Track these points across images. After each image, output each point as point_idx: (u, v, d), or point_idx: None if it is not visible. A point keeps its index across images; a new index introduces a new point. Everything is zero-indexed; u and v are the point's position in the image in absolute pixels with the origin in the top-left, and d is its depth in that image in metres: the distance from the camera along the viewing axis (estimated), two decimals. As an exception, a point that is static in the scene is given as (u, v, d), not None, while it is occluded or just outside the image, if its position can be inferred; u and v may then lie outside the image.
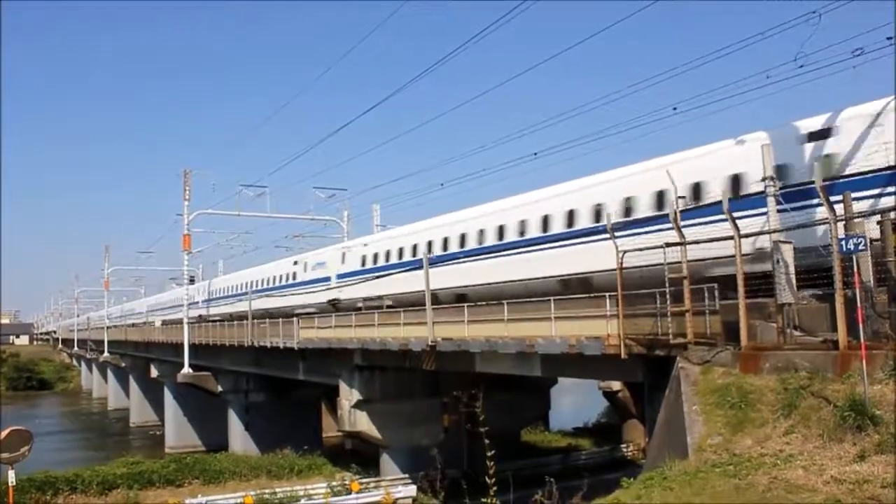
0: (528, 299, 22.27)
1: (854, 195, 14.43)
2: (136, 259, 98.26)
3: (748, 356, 14.58)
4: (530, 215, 26.59)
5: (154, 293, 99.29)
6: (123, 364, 79.94)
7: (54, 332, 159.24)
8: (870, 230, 13.82)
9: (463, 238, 29.97)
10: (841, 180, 15.29)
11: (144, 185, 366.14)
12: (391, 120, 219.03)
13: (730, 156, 19.46)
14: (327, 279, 41.11)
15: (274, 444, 39.49)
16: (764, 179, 16.15)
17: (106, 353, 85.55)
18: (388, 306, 32.12)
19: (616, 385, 43.10)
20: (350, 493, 30.01)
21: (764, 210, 15.93)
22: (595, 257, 21.36)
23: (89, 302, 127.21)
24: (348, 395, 32.14)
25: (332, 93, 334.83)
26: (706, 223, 17.41)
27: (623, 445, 43.18)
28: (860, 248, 12.90)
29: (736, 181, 18.92)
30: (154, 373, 61.78)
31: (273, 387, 45.12)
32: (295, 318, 36.15)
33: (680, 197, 19.22)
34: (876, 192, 15.01)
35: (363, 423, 31.95)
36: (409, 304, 29.03)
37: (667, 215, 17.53)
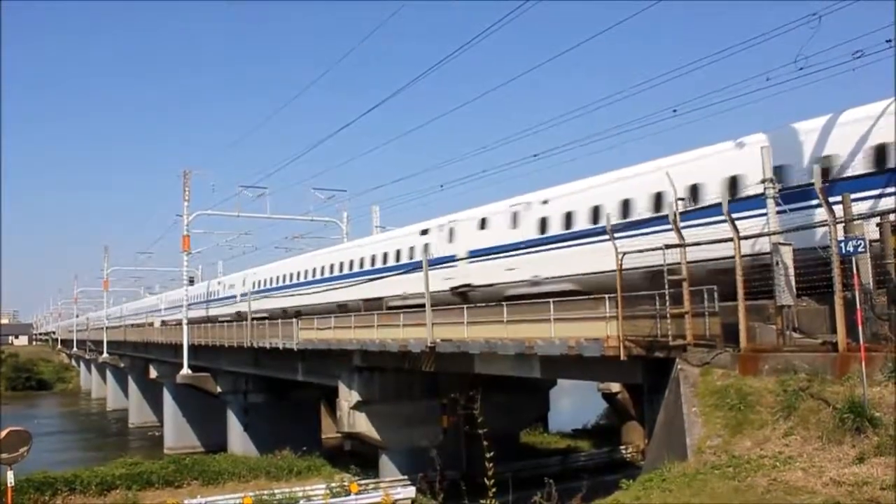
0: (528, 301, 22.27)
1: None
2: (136, 259, 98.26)
3: (747, 358, 14.58)
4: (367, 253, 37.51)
5: (154, 295, 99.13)
6: (122, 365, 79.93)
7: (53, 332, 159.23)
8: (869, 232, 13.83)
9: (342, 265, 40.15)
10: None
11: (144, 186, 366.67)
12: (391, 121, 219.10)
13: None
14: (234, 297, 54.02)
15: (273, 445, 39.49)
16: (763, 181, 16.17)
17: (105, 354, 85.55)
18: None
19: (615, 387, 43.09)
20: (349, 495, 30.01)
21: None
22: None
23: (89, 302, 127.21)
24: (347, 397, 32.14)
25: (332, 93, 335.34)
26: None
27: (622, 447, 43.16)
28: (859, 250, 12.91)
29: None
30: (153, 373, 61.77)
31: (272, 388, 45.11)
32: (294, 320, 36.17)
33: (680, 198, 19.23)
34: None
35: (362, 425, 31.95)
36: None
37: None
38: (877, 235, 13.91)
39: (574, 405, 59.78)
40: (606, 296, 18.10)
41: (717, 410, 13.63)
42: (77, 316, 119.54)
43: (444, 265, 29.38)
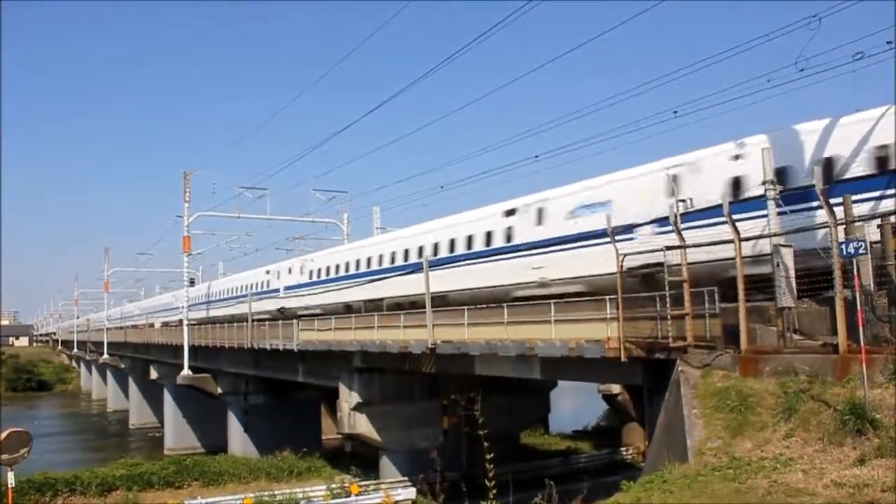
0: (528, 302, 22.28)
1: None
2: (136, 261, 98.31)
3: (748, 360, 14.58)
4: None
5: (156, 295, 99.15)
6: (123, 366, 79.94)
7: (54, 333, 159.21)
8: (870, 234, 13.83)
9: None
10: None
11: (144, 187, 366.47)
12: (392, 122, 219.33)
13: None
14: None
15: (273, 446, 39.50)
16: (764, 183, 16.17)
17: (105, 355, 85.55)
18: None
19: (616, 388, 43.10)
20: (349, 496, 30.02)
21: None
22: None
23: (89, 303, 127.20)
24: (348, 398, 32.13)
25: (333, 95, 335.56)
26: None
27: (622, 448, 43.16)
28: (860, 251, 12.91)
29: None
30: (153, 374, 61.78)
31: (272, 389, 45.09)
32: (295, 321, 36.14)
33: (681, 199, 19.23)
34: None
35: (362, 426, 31.95)
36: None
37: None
38: (877, 237, 13.92)
39: (574, 406, 59.76)
40: (607, 297, 18.11)
41: (718, 412, 13.63)
42: (77, 317, 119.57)
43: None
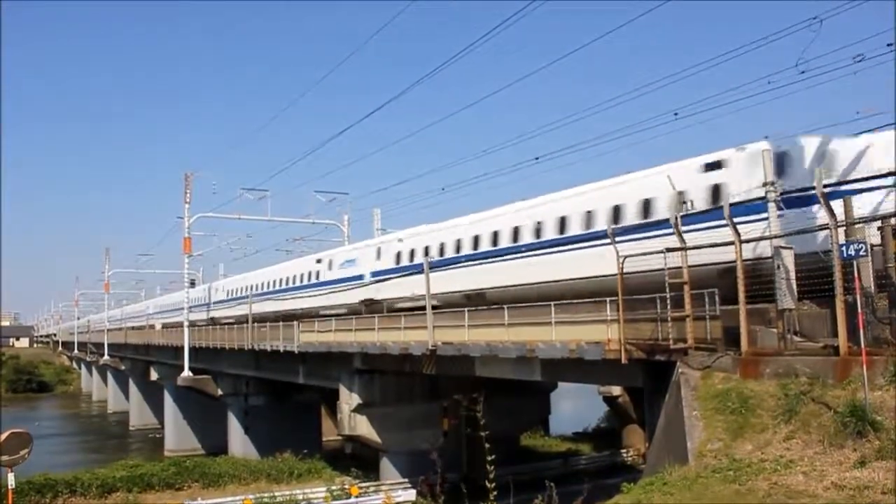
0: (528, 304, 22.27)
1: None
2: (137, 262, 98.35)
3: (748, 361, 14.58)
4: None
5: (155, 297, 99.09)
6: (123, 367, 79.96)
7: (54, 334, 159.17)
8: (870, 236, 13.83)
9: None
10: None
11: (145, 188, 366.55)
12: (393, 124, 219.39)
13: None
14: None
15: (273, 447, 39.50)
16: (765, 184, 16.19)
17: (106, 356, 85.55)
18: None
19: (616, 390, 43.10)
20: (349, 497, 30.03)
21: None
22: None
23: (90, 304, 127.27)
24: (348, 399, 32.13)
25: (334, 96, 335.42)
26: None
27: (623, 450, 43.18)
28: (861, 253, 12.91)
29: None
30: (154, 375, 61.77)
31: (273, 390, 45.09)
32: (295, 322, 36.14)
33: (683, 201, 19.25)
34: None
35: (363, 427, 31.94)
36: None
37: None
38: (877, 239, 13.92)
39: (575, 408, 59.75)
40: (608, 299, 18.11)
41: (718, 414, 13.63)
42: (78, 318, 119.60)
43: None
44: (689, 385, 14.86)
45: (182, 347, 47.45)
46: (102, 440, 65.91)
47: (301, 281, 42.94)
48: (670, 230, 16.84)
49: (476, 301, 26.87)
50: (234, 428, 45.83)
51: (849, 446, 11.28)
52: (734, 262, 15.31)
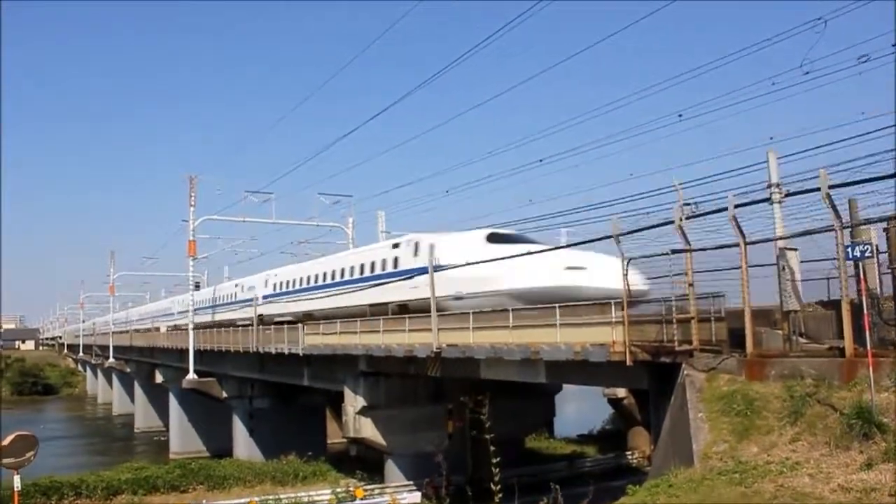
0: (532, 306, 22.26)
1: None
2: (142, 264, 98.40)
3: (754, 363, 14.56)
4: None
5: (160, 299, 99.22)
6: (128, 369, 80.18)
7: (60, 337, 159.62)
8: (876, 238, 13.81)
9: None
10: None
11: (150, 191, 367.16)
12: (398, 126, 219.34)
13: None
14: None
15: (278, 450, 39.49)
16: (769, 186, 16.18)
17: (111, 359, 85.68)
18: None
19: (621, 392, 43.03)
20: (354, 500, 29.98)
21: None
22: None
23: (95, 307, 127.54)
24: (353, 401, 32.16)
25: (338, 98, 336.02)
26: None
27: (628, 452, 43.08)
28: (866, 255, 12.88)
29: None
30: (159, 378, 61.87)
31: (278, 393, 45.15)
32: (300, 325, 36.21)
33: (686, 203, 19.21)
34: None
35: (368, 430, 31.96)
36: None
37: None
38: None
39: (580, 410, 59.67)
40: (612, 300, 18.08)
41: (724, 416, 13.61)
42: (83, 321, 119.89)
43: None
44: (694, 387, 14.85)
45: (187, 350, 47.54)
46: (107, 442, 66.04)
47: (227, 299, 56.37)
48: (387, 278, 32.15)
49: (309, 318, 38.39)
50: (239, 430, 45.88)
51: (855, 448, 11.25)
52: (411, 300, 28.73)
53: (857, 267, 13.30)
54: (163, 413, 64.82)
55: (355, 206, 53.96)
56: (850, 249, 13.05)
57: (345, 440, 38.15)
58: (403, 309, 29.51)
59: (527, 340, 21.02)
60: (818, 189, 13.94)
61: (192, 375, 46.93)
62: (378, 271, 33.70)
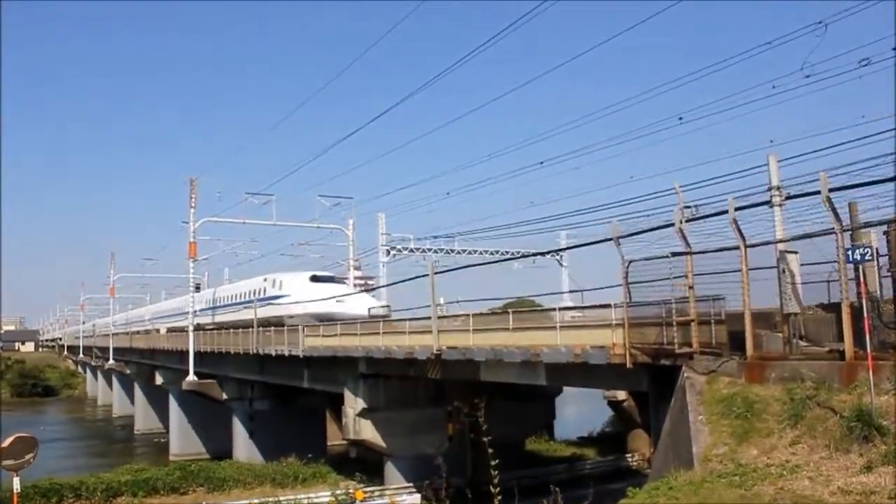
0: (533, 309, 22.30)
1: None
2: (143, 266, 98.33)
3: (754, 366, 14.56)
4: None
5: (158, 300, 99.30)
6: (128, 371, 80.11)
7: (60, 338, 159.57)
8: (875, 241, 13.82)
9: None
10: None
11: (150, 192, 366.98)
12: (398, 127, 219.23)
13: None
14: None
15: (278, 451, 39.49)
16: (770, 189, 16.19)
17: (111, 361, 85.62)
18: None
19: (621, 394, 42.99)
20: (354, 502, 29.98)
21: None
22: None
23: (95, 309, 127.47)
24: (353, 404, 32.17)
25: (339, 100, 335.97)
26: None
27: (628, 455, 43.08)
28: (866, 258, 12.89)
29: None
30: (159, 380, 61.86)
31: (278, 394, 45.16)
32: (300, 327, 36.23)
33: (686, 206, 19.23)
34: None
35: (367, 432, 31.97)
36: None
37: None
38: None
39: (580, 413, 59.65)
40: (612, 303, 18.11)
41: (724, 418, 13.61)
42: (83, 322, 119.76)
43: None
44: (694, 389, 14.85)
45: (187, 352, 47.56)
46: (107, 444, 65.99)
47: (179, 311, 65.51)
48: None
49: (220, 327, 51.12)
50: (239, 432, 45.88)
51: (855, 451, 11.26)
52: (272, 316, 39.48)
53: (857, 270, 13.32)
54: (163, 415, 64.80)
55: (356, 208, 54.01)
56: (850, 252, 13.05)
57: (345, 442, 38.15)
58: (267, 322, 43.48)
59: (527, 343, 21.04)
60: (818, 192, 13.95)
61: (192, 377, 46.93)
62: (257, 297, 46.84)
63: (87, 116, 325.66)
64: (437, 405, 32.53)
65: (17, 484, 19.33)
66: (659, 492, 12.38)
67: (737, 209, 15.98)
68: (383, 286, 49.25)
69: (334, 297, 38.80)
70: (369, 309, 36.94)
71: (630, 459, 42.35)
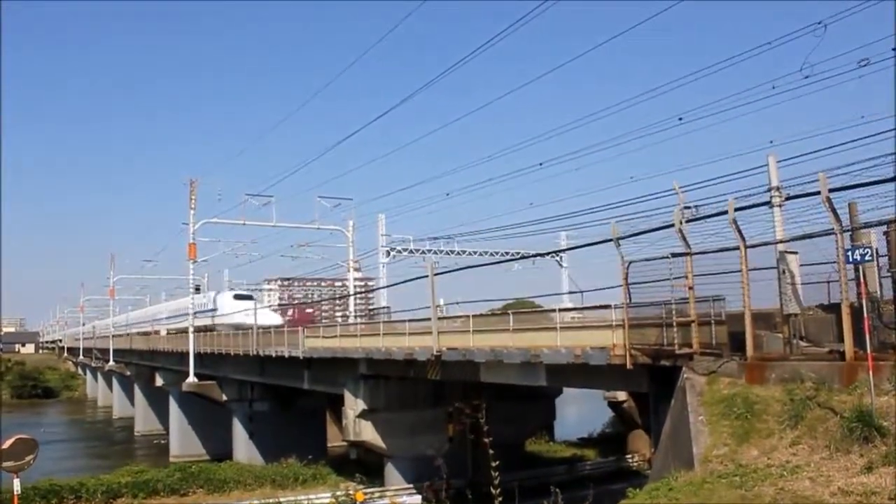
0: (533, 310, 22.31)
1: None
2: (142, 268, 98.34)
3: (754, 366, 14.56)
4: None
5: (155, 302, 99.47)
6: (128, 373, 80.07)
7: (60, 340, 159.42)
8: (875, 242, 13.81)
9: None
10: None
11: (150, 194, 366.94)
12: (398, 129, 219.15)
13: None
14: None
15: (278, 453, 39.48)
16: (770, 189, 16.20)
17: (111, 362, 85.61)
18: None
19: (621, 395, 42.97)
20: (354, 503, 29.96)
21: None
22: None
23: (95, 310, 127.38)
24: (353, 405, 32.15)
25: (339, 101, 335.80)
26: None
27: (628, 456, 43.05)
28: (866, 258, 12.89)
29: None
30: (159, 381, 61.85)
31: (278, 396, 45.15)
32: (300, 328, 36.23)
33: (686, 206, 19.24)
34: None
35: (368, 433, 31.96)
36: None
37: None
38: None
39: (580, 414, 59.65)
40: (613, 304, 18.12)
41: (724, 419, 13.60)
42: (83, 324, 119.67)
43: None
44: (694, 390, 14.85)
45: (187, 353, 47.56)
46: (107, 446, 65.95)
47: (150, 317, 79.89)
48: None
49: (180, 332, 59.34)
50: (239, 434, 45.87)
51: (855, 451, 11.25)
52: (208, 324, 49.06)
53: (857, 270, 13.32)
54: (163, 416, 64.78)
55: (356, 210, 54.15)
56: (850, 253, 13.05)
57: (345, 443, 38.13)
58: (206, 328, 52.67)
59: (527, 344, 21.03)
60: (818, 193, 13.96)
61: (192, 378, 46.94)
62: (200, 309, 54.71)
63: (86, 118, 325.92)
64: (437, 406, 32.52)
65: (17, 485, 19.27)
66: (659, 492, 12.38)
67: (737, 210, 15.98)
68: (383, 287, 49.25)
69: (245, 311, 49.23)
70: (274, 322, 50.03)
71: (630, 460, 42.33)
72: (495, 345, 22.38)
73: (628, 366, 17.09)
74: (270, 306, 62.37)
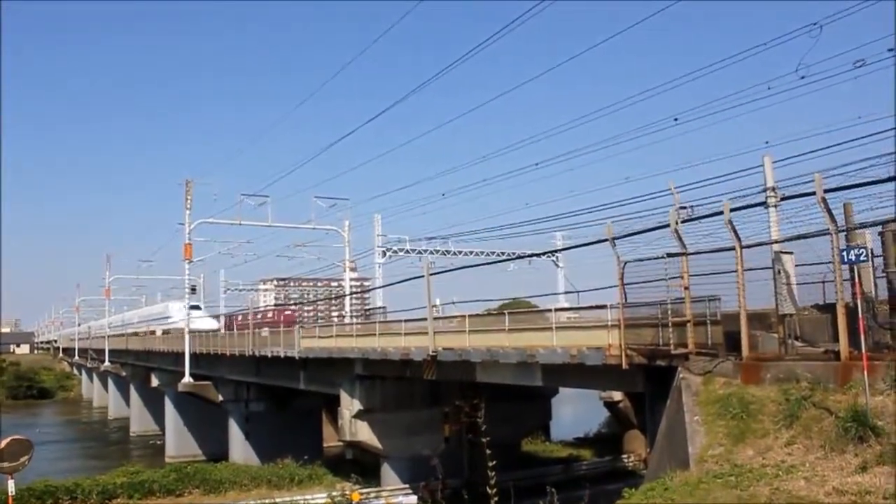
0: (529, 310, 22.32)
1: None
2: (138, 268, 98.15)
3: (749, 366, 14.58)
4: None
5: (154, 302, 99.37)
6: (124, 373, 79.91)
7: (55, 340, 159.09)
8: (871, 241, 13.86)
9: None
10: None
11: (146, 194, 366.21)
12: (394, 129, 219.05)
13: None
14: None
15: (274, 453, 39.44)
16: (765, 190, 16.23)
17: (107, 362, 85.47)
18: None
19: (617, 395, 43.00)
20: (350, 503, 29.95)
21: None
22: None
23: (91, 311, 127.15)
24: (349, 405, 32.12)
25: (335, 102, 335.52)
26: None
27: (624, 456, 43.07)
28: (861, 258, 12.93)
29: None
30: (154, 382, 61.77)
31: (273, 396, 45.09)
32: (296, 328, 36.18)
33: (682, 207, 19.27)
34: None
35: (364, 433, 31.93)
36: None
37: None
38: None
39: (576, 413, 59.68)
40: (608, 304, 18.13)
41: (719, 419, 13.63)
42: (79, 324, 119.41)
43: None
44: (690, 390, 14.87)
45: (183, 353, 47.49)
46: (103, 446, 65.80)
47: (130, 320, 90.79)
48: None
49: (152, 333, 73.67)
50: (235, 434, 45.81)
51: (850, 451, 11.28)
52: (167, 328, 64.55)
53: (852, 270, 13.35)
54: (158, 417, 64.69)
55: (352, 210, 54.15)
56: (845, 253, 13.09)
57: (341, 444, 38.10)
58: (165, 332, 66.06)
59: (523, 343, 21.04)
60: (814, 193, 13.99)
61: (187, 379, 46.85)
62: (160, 316, 71.77)
63: (83, 118, 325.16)
64: (433, 406, 32.51)
65: (12, 486, 19.25)
66: (655, 492, 12.40)
67: (732, 210, 16.02)
68: (379, 287, 49.18)
69: (192, 317, 52.82)
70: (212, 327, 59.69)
71: (626, 460, 42.35)
72: (491, 345, 22.39)
73: (624, 366, 17.10)
74: (214, 315, 71.40)
